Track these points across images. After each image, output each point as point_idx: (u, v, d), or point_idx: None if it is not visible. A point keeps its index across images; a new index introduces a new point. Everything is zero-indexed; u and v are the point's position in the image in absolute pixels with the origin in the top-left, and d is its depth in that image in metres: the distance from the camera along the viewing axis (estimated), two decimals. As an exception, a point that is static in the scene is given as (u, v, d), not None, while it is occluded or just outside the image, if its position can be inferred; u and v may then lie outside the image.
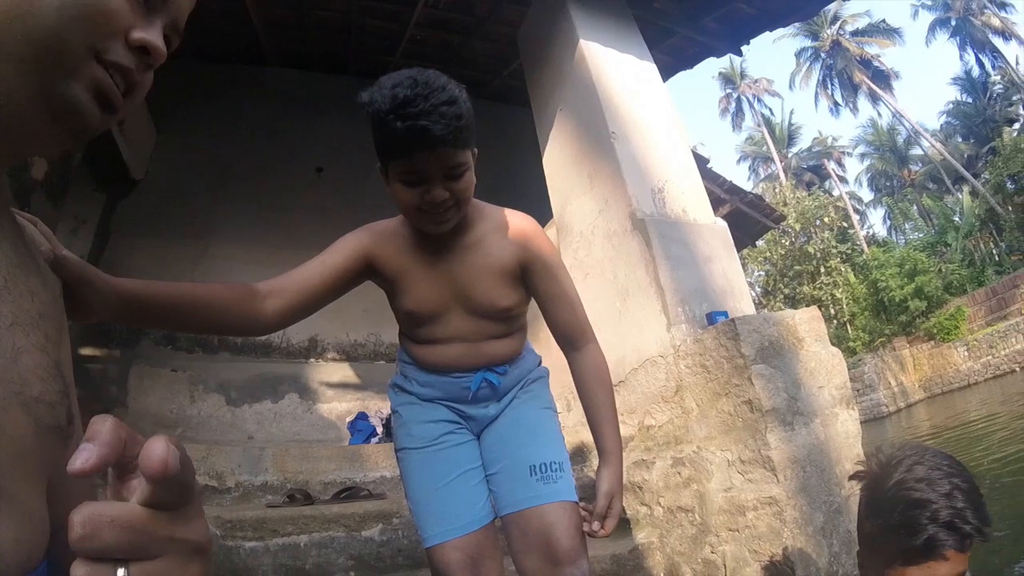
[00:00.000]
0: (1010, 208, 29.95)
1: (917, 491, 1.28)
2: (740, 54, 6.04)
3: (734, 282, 3.66)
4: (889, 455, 1.41)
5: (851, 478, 1.52)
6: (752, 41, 5.55)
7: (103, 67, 0.65)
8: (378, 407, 5.39)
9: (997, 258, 30.34)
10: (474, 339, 1.64)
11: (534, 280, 1.67)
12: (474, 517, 1.61)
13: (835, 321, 30.59)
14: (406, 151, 1.36)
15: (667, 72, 5.64)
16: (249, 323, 1.40)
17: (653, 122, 4.17)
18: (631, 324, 3.56)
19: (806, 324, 3.02)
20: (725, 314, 3.19)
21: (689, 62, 5.94)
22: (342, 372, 5.78)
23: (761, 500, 2.66)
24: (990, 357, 22.24)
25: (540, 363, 1.85)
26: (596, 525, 1.59)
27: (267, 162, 5.96)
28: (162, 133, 5.84)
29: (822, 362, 2.97)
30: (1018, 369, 20.98)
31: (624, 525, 3.30)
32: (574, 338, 1.73)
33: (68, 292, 0.88)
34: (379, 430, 5.03)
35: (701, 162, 9.06)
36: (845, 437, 2.86)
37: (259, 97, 6.24)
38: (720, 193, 9.19)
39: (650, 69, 4.49)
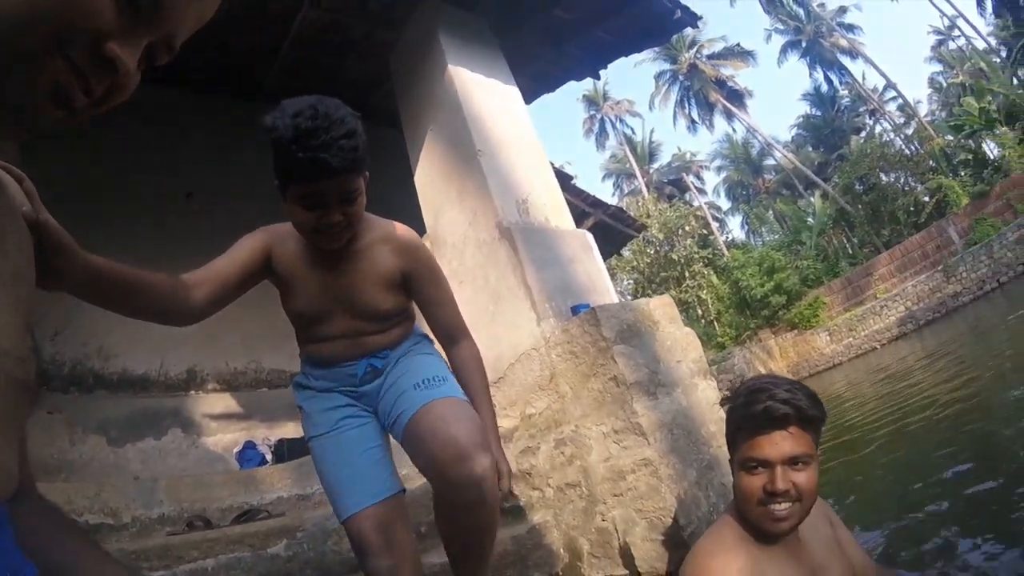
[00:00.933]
0: (859, 206, 33.34)
1: (762, 383, 1.53)
2: (598, 77, 6.48)
3: (596, 280, 4.02)
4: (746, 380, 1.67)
5: (722, 402, 1.76)
6: (611, 65, 5.91)
7: (68, 63, 0.61)
8: (265, 435, 5.30)
9: (850, 251, 33.87)
10: (356, 336, 1.79)
11: (416, 286, 1.84)
12: (381, 488, 1.75)
13: (703, 320, 32.69)
14: (306, 178, 1.47)
15: (531, 95, 5.94)
16: (182, 310, 1.48)
17: (516, 140, 4.46)
18: (505, 323, 3.81)
19: (660, 309, 3.43)
20: (587, 306, 3.49)
21: (552, 85, 6.27)
22: (224, 403, 5.59)
23: (637, 463, 2.97)
24: (851, 339, 24.95)
25: (420, 333, 2.01)
26: None
27: (135, 186, 5.57)
28: (26, 152, 5.47)
29: (677, 340, 3.38)
30: (878, 346, 23.43)
31: (519, 511, 3.49)
32: (453, 336, 1.93)
33: (39, 257, 0.87)
34: (268, 457, 4.96)
35: (566, 179, 9.54)
36: (707, 403, 3.24)
37: (126, 116, 5.72)
38: (584, 207, 9.68)
39: (514, 92, 4.78)
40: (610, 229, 10.08)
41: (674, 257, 33.54)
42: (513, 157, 4.33)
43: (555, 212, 4.31)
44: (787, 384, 1.50)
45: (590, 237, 4.29)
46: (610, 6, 5.22)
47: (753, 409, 1.46)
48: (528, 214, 4.10)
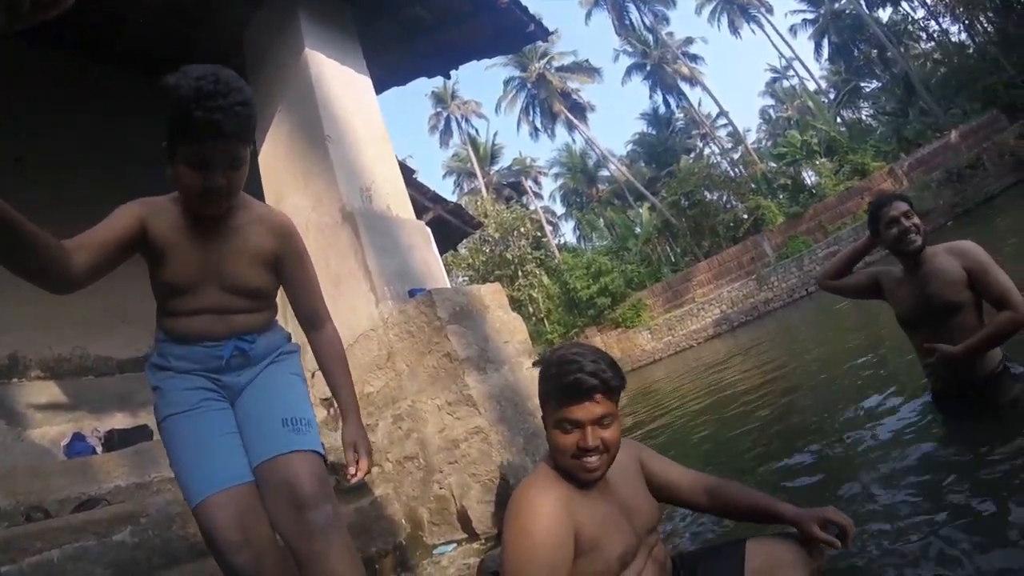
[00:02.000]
0: (683, 220, 36.06)
1: (571, 354, 1.69)
2: (449, 77, 6.66)
3: (432, 268, 4.27)
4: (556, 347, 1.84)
5: (533, 364, 1.89)
6: (463, 67, 6.09)
7: None
8: (94, 426, 5.04)
9: (673, 259, 36.85)
10: (224, 312, 1.77)
11: (286, 270, 1.88)
12: (237, 472, 1.69)
13: (533, 318, 34.04)
14: (199, 138, 1.51)
15: (381, 86, 5.99)
16: (63, 273, 1.44)
17: (365, 129, 4.55)
18: (345, 306, 3.91)
19: (490, 295, 3.73)
20: (423, 289, 3.71)
21: (403, 79, 6.39)
22: (49, 391, 5.22)
23: (470, 431, 3.24)
24: (670, 337, 27.45)
25: (290, 339, 2.02)
26: (352, 470, 1.83)
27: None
28: None
29: (505, 323, 3.70)
30: (695, 344, 25.96)
31: (362, 486, 3.59)
32: (315, 321, 1.99)
33: None
34: (99, 450, 4.72)
35: (408, 172, 9.65)
36: (531, 379, 3.56)
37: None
38: (425, 201, 9.83)
39: (366, 82, 4.84)
40: (448, 225, 10.32)
41: (508, 256, 34.83)
42: (360, 145, 4.42)
43: (397, 202, 4.46)
44: (592, 355, 1.69)
45: (428, 229, 4.49)
46: (467, 11, 5.40)
47: (565, 380, 1.64)
48: (371, 202, 4.22)
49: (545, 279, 34.17)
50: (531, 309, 34.82)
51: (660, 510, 1.86)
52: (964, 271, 2.71)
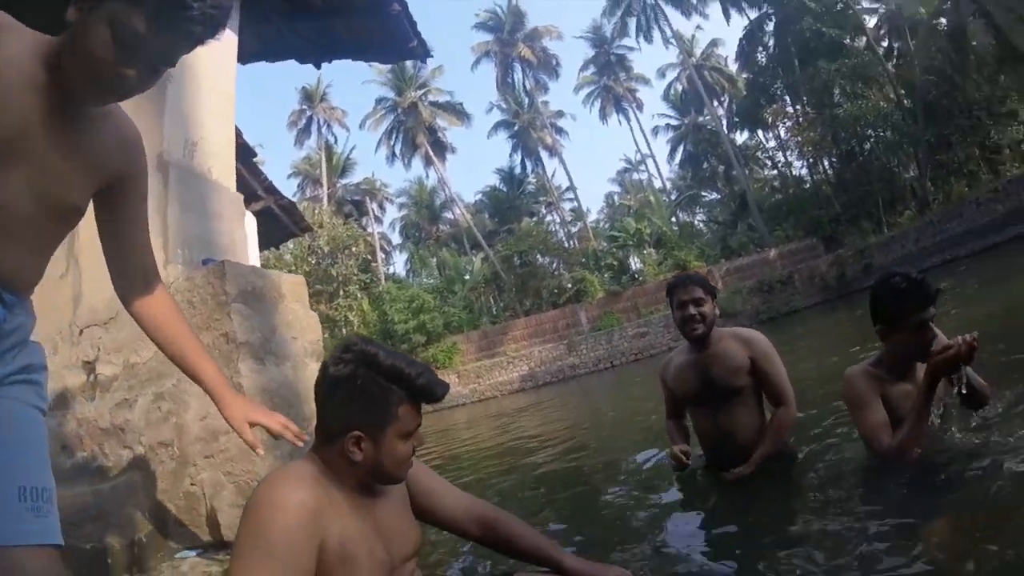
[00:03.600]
0: (512, 276, 37.45)
1: (405, 359, 1.54)
2: (319, 68, 6.38)
3: (237, 244, 3.91)
4: (351, 345, 1.59)
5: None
6: (338, 71, 5.97)
7: None
8: None
9: (494, 311, 37.91)
10: (4, 227, 1.24)
11: (125, 198, 1.48)
12: None
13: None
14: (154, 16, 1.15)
15: (249, 55, 5.63)
16: None
17: (212, 84, 4.20)
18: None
19: (290, 285, 3.44)
20: (217, 260, 3.37)
21: (274, 55, 6.05)
22: None
23: (233, 424, 2.91)
24: (476, 385, 27.95)
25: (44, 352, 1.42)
26: (288, 436, 1.74)
27: None
28: None
29: (299, 318, 3.41)
30: (498, 395, 26.66)
31: (106, 471, 3.24)
32: (151, 274, 1.60)
33: None
34: None
35: (248, 152, 9.18)
36: (313, 382, 3.28)
37: None
38: (258, 189, 9.42)
39: (232, 37, 4.47)
40: (276, 220, 9.94)
41: (334, 273, 33.81)
42: (202, 97, 4.06)
43: (221, 169, 4.10)
44: (405, 361, 1.57)
45: (243, 206, 4.20)
46: (359, 6, 5.27)
47: (418, 383, 1.52)
48: (193, 158, 3.85)
49: (366, 304, 33.40)
50: (344, 331, 33.87)
51: (422, 535, 1.72)
52: (748, 359, 2.89)
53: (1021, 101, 27.03)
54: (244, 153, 9.04)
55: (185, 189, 3.63)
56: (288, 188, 50.75)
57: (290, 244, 28.34)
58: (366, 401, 1.50)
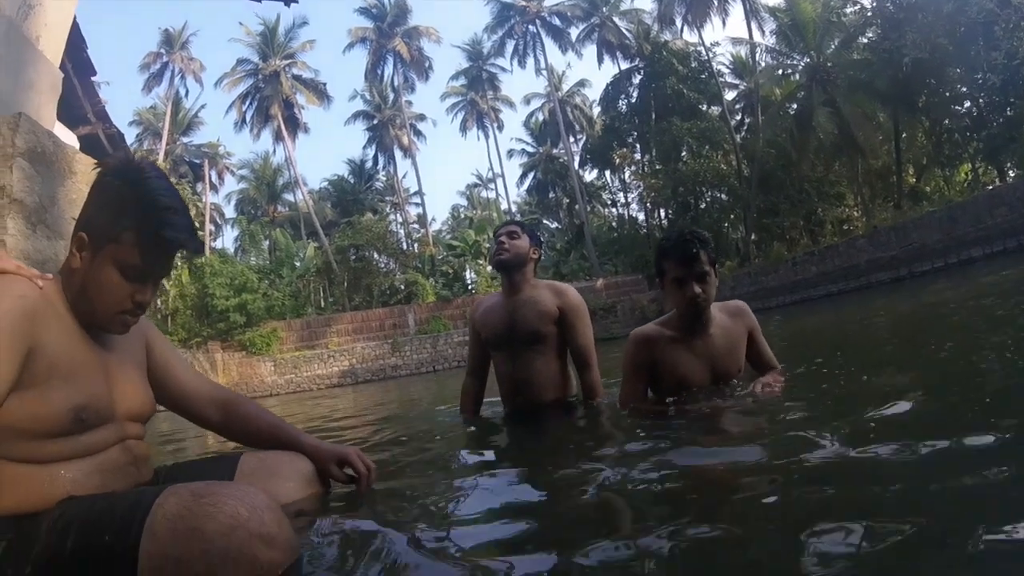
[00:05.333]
0: (345, 270, 36.43)
1: (175, 203, 1.45)
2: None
3: (44, 121, 3.53)
4: (135, 159, 1.53)
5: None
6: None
7: None
8: None
9: (321, 303, 36.88)
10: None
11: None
12: None
13: (159, 314, 30.60)
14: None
15: None
16: None
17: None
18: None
19: (84, 165, 3.22)
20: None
21: None
22: None
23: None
24: (293, 375, 27.07)
25: None
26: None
27: None
28: None
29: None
30: (314, 388, 25.79)
31: None
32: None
33: None
34: None
35: (88, 68, 8.45)
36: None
37: None
38: (89, 111, 8.75)
39: None
40: (100, 149, 9.14)
41: (151, 236, 31.20)
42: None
43: (49, 42, 3.80)
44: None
45: (60, 85, 3.82)
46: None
47: (156, 219, 1.43)
48: (26, 19, 3.51)
49: (185, 276, 30.73)
50: (158, 303, 31.28)
51: (153, 407, 1.62)
52: (557, 308, 3.00)
53: (849, 187, 31.33)
54: (83, 67, 8.28)
55: (4, 44, 3.27)
56: (126, 138, 46.73)
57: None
58: (103, 208, 1.43)
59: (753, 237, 32.51)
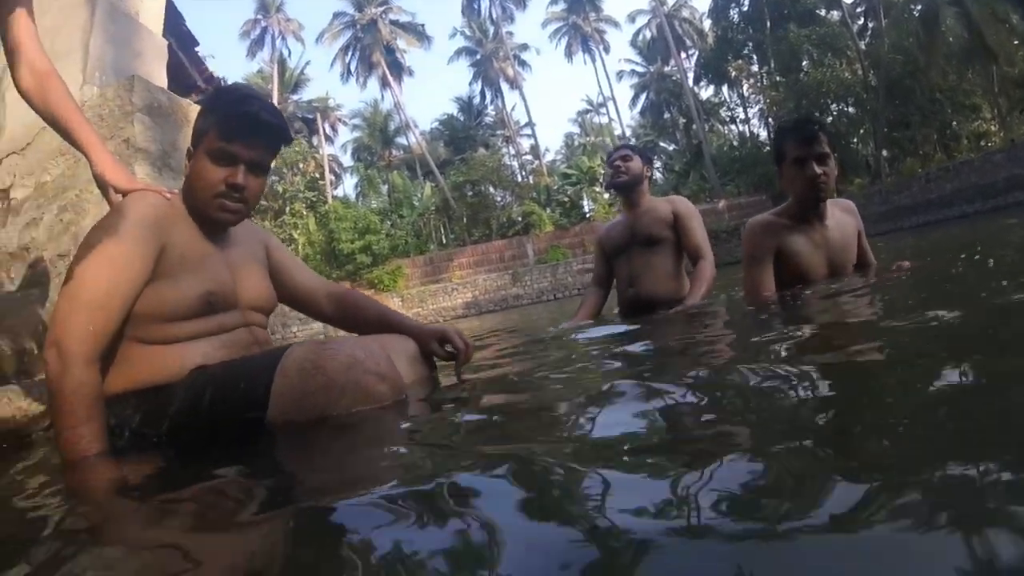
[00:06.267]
0: (462, 206, 37.12)
1: (250, 92, 1.63)
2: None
3: (154, 76, 4.02)
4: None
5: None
6: None
7: None
8: None
9: (442, 239, 37.69)
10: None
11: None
12: None
13: (291, 260, 32.74)
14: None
15: None
16: None
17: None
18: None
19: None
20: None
21: None
22: None
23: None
24: (420, 309, 27.88)
25: None
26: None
27: None
28: None
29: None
30: (440, 320, 26.48)
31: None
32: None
33: None
34: None
35: (190, 40, 9.06)
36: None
37: None
38: (198, 79, 9.28)
39: None
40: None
41: (280, 189, 32.95)
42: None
43: (148, 15, 4.23)
44: (269, 103, 1.68)
45: (165, 51, 4.29)
46: None
47: (241, 110, 1.60)
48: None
49: (312, 224, 32.66)
50: (290, 249, 33.20)
51: (274, 300, 1.84)
52: (672, 214, 3.32)
53: (984, 98, 27.90)
54: (184, 40, 8.91)
55: (112, 23, 3.76)
56: (238, 99, 48.73)
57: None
58: (198, 119, 1.63)
59: (884, 153, 29.92)
